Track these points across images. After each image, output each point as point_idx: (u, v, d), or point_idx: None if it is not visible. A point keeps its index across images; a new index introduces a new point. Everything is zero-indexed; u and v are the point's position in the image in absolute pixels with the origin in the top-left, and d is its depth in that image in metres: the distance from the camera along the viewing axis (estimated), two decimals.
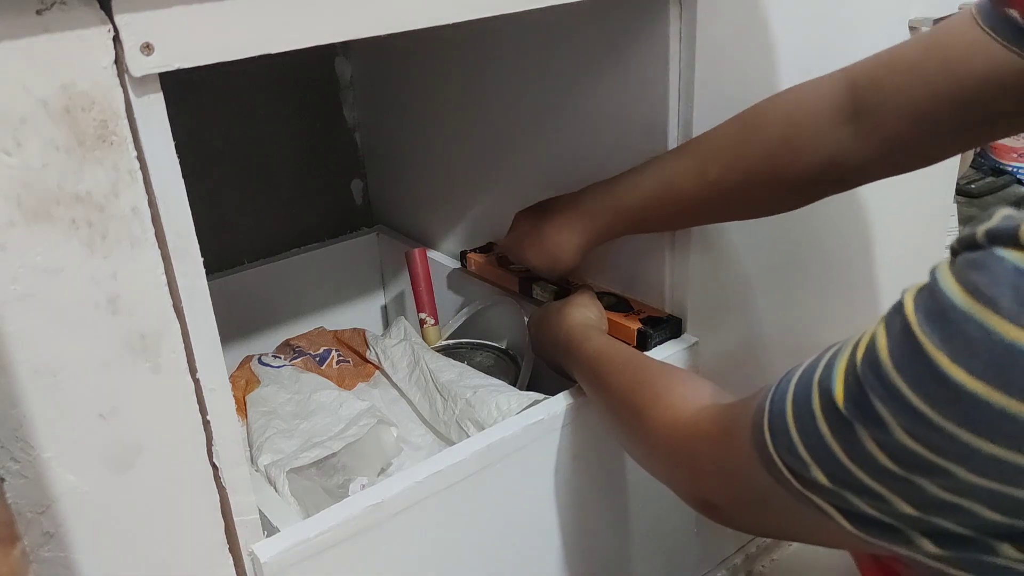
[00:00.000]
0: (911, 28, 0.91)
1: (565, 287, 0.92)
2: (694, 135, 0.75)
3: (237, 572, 0.60)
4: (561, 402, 0.74)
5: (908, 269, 1.07)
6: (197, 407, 0.55)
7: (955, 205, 1.17)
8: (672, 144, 0.76)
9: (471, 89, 0.98)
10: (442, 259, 1.10)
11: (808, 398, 0.45)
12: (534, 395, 0.80)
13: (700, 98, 0.74)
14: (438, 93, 1.03)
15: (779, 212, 0.75)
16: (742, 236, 0.84)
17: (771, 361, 0.93)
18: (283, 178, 1.19)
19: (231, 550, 0.60)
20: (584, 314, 0.81)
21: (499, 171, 0.99)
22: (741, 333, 0.89)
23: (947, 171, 1.09)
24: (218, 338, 0.54)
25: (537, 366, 0.93)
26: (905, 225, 1.02)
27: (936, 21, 0.91)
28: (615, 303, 0.86)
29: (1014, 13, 0.56)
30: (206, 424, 0.55)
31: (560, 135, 0.88)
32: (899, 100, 0.63)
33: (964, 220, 1.29)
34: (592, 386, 0.72)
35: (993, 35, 0.58)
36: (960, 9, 0.61)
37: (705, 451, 0.55)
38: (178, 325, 0.52)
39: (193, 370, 0.54)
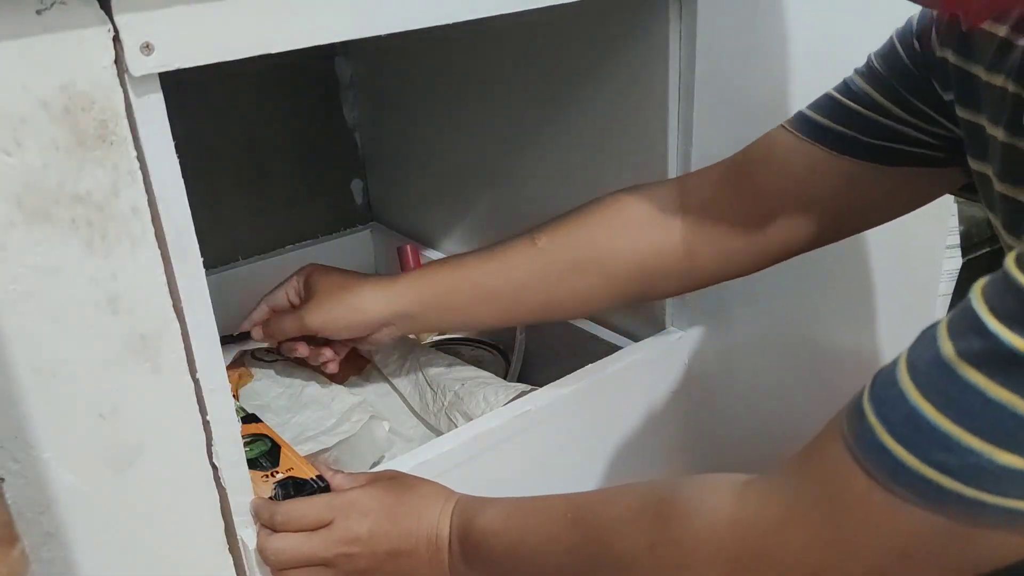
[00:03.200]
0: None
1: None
2: (694, 136, 0.75)
3: (237, 572, 0.60)
4: (548, 394, 0.74)
5: (907, 268, 1.07)
6: (197, 407, 0.55)
7: (955, 205, 1.17)
8: (672, 143, 0.76)
9: (471, 89, 0.98)
10: (436, 256, 1.11)
11: (942, 361, 0.36)
12: (521, 386, 0.81)
13: (700, 98, 0.74)
14: (438, 93, 1.03)
15: (599, 306, 0.75)
16: None
17: (770, 361, 0.93)
18: (283, 178, 1.18)
19: (231, 550, 0.60)
20: (429, 491, 0.62)
21: (499, 171, 0.99)
22: (738, 331, 0.89)
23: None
24: (218, 338, 0.54)
25: (526, 360, 0.94)
26: (904, 224, 1.02)
27: None
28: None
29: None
30: (206, 424, 0.55)
31: (560, 135, 0.88)
32: (725, 199, 0.66)
33: (964, 220, 1.29)
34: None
35: (807, 139, 0.63)
36: None
37: (792, 537, 0.41)
38: (178, 325, 0.52)
39: (193, 370, 0.54)
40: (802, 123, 0.64)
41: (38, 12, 0.43)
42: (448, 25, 0.57)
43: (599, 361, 0.78)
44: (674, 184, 0.71)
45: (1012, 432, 0.34)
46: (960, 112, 0.54)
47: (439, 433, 0.85)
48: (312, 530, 0.59)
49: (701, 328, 0.83)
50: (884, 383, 0.39)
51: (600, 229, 0.69)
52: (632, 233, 0.68)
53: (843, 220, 0.67)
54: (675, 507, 0.47)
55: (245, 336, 0.79)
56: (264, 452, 0.66)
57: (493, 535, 0.56)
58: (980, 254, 1.38)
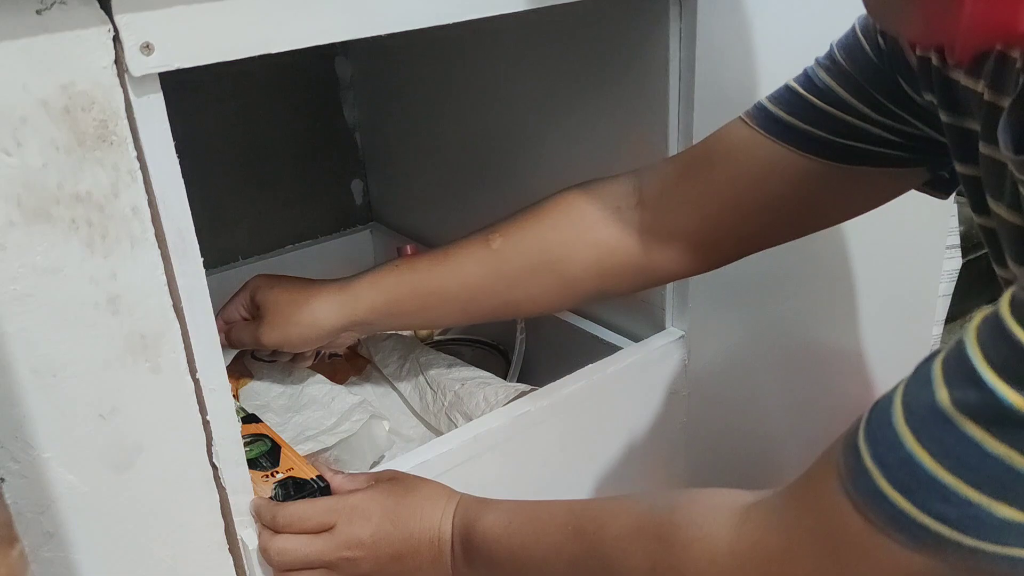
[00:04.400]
0: None
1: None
2: (694, 136, 0.75)
3: (237, 572, 0.60)
4: (548, 394, 0.74)
5: (907, 270, 1.07)
6: (197, 407, 0.55)
7: (955, 205, 1.17)
8: (672, 144, 0.76)
9: (471, 89, 0.98)
10: None
11: (943, 416, 0.36)
12: (521, 386, 0.81)
13: (700, 98, 0.74)
14: (438, 93, 1.03)
15: (556, 306, 0.74)
16: None
17: (770, 361, 0.93)
18: (283, 178, 1.19)
19: (231, 550, 0.60)
20: (431, 492, 0.62)
21: (499, 171, 0.99)
22: (738, 331, 0.89)
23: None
24: (218, 338, 0.54)
25: (527, 360, 0.94)
26: (904, 225, 1.02)
27: None
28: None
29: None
30: (206, 424, 0.55)
31: (560, 135, 0.88)
32: (681, 194, 0.65)
33: (964, 220, 1.29)
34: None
35: (767, 135, 0.61)
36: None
37: (790, 571, 0.43)
38: (178, 325, 0.52)
39: (193, 370, 0.54)
40: (762, 117, 0.62)
41: (38, 12, 0.43)
42: (448, 25, 0.57)
43: (599, 361, 0.78)
44: (630, 179, 0.68)
45: (1010, 486, 0.34)
46: (944, 116, 0.52)
47: (439, 433, 0.85)
48: (314, 533, 0.59)
49: (701, 328, 0.83)
50: (879, 422, 0.39)
51: (554, 230, 0.68)
52: (587, 233, 0.67)
53: (803, 218, 0.65)
54: (676, 531, 0.48)
55: None
56: (264, 452, 0.66)
57: (495, 540, 0.56)
58: (980, 254, 1.38)
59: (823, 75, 0.60)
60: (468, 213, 1.06)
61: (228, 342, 0.75)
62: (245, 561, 0.60)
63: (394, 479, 0.62)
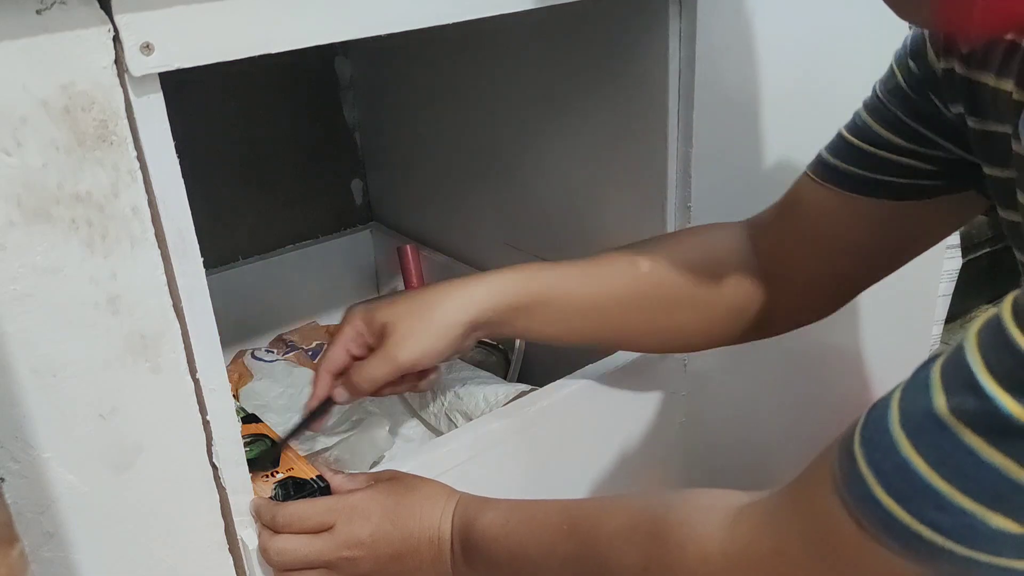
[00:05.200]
0: (911, 27, 0.90)
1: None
2: (694, 136, 0.75)
3: (237, 572, 0.60)
4: (548, 394, 0.74)
5: (907, 270, 1.07)
6: (197, 407, 0.55)
7: None
8: (672, 144, 0.76)
9: (471, 89, 0.98)
10: (435, 256, 1.11)
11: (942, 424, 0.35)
12: (521, 386, 0.81)
13: (700, 98, 0.74)
14: (438, 93, 1.03)
15: (690, 345, 0.73)
16: None
17: (769, 361, 0.93)
18: (283, 178, 1.19)
19: (231, 550, 0.60)
20: (430, 491, 0.61)
21: (499, 171, 0.99)
22: None
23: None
24: (218, 338, 0.54)
25: (527, 360, 0.94)
26: None
27: None
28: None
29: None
30: (206, 424, 0.55)
31: (559, 135, 0.88)
32: (789, 256, 0.66)
33: None
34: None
35: (832, 187, 0.62)
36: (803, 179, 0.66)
37: (781, 574, 0.43)
38: (178, 325, 0.52)
39: (193, 370, 0.54)
40: (820, 167, 0.64)
41: (38, 12, 0.43)
42: (448, 25, 0.57)
43: (599, 361, 0.78)
44: (742, 232, 0.69)
45: (1005, 496, 0.34)
46: (971, 122, 0.52)
47: (439, 433, 0.85)
48: (314, 532, 0.59)
49: None
50: (876, 426, 0.38)
51: (699, 269, 0.67)
52: (731, 277, 0.67)
53: (891, 254, 0.66)
54: (668, 530, 0.48)
55: (327, 405, 0.66)
56: (264, 452, 0.66)
57: (493, 539, 0.56)
58: (980, 254, 1.39)
59: (864, 115, 0.61)
60: (468, 213, 1.06)
61: (354, 389, 0.64)
62: (245, 561, 0.60)
63: (394, 479, 0.62)
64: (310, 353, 1.03)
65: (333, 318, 1.19)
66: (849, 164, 0.62)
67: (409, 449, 0.85)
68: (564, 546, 0.53)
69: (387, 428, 0.86)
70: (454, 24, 0.57)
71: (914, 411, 0.37)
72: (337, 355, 0.65)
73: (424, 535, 0.59)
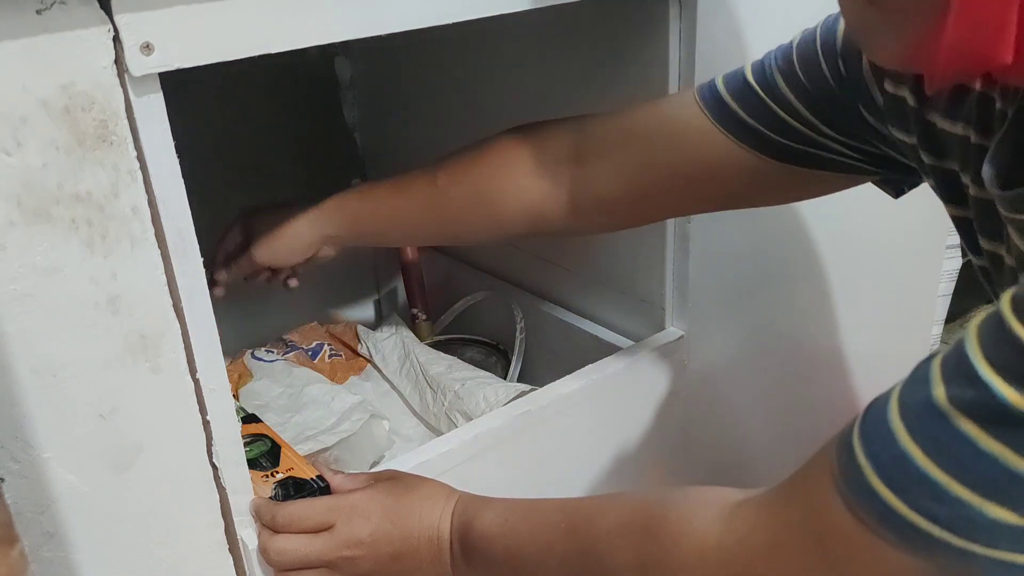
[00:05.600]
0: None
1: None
2: None
3: (237, 572, 0.60)
4: (548, 394, 0.75)
5: (907, 269, 1.07)
6: (197, 407, 0.55)
7: None
8: None
9: (471, 89, 0.98)
10: (435, 256, 1.11)
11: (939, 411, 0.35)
12: (521, 386, 0.81)
13: None
14: (438, 93, 1.03)
15: (491, 241, 0.84)
16: (743, 233, 0.84)
17: (769, 361, 0.93)
18: (283, 178, 1.18)
19: (231, 550, 0.60)
20: (430, 491, 0.61)
21: None
22: (738, 331, 0.89)
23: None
24: (218, 338, 0.54)
25: (527, 360, 0.94)
26: (904, 225, 1.02)
27: None
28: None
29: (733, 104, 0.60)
30: (206, 424, 0.55)
31: None
32: (619, 161, 0.66)
33: None
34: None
35: (720, 128, 0.60)
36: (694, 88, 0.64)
37: (778, 567, 0.42)
38: (178, 325, 0.52)
39: (193, 370, 0.54)
40: (717, 108, 0.61)
41: (38, 12, 0.43)
42: (448, 25, 0.57)
43: (599, 361, 0.78)
44: (571, 130, 0.69)
45: (1003, 486, 0.34)
46: (926, 158, 0.51)
47: (439, 433, 0.85)
48: (314, 532, 0.59)
49: (701, 328, 0.83)
50: (875, 419, 0.38)
51: (491, 177, 0.71)
52: (521, 180, 0.70)
53: (732, 200, 0.67)
54: (665, 525, 0.47)
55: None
56: (264, 452, 0.66)
57: (492, 538, 0.56)
58: None
59: (781, 83, 0.59)
60: None
61: (227, 270, 0.84)
62: (245, 561, 0.60)
63: (394, 478, 0.62)
64: (309, 353, 1.03)
65: (333, 318, 1.19)
66: (746, 112, 0.59)
67: (409, 449, 0.85)
68: (562, 544, 0.53)
69: (387, 428, 0.86)
70: (454, 24, 0.57)
71: (913, 403, 0.37)
72: (227, 242, 0.85)
73: (424, 534, 0.59)
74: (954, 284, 1.24)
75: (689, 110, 0.63)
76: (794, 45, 0.59)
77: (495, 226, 0.72)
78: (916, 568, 0.37)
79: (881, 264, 1.02)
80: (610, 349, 0.83)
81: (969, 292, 1.43)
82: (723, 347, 0.86)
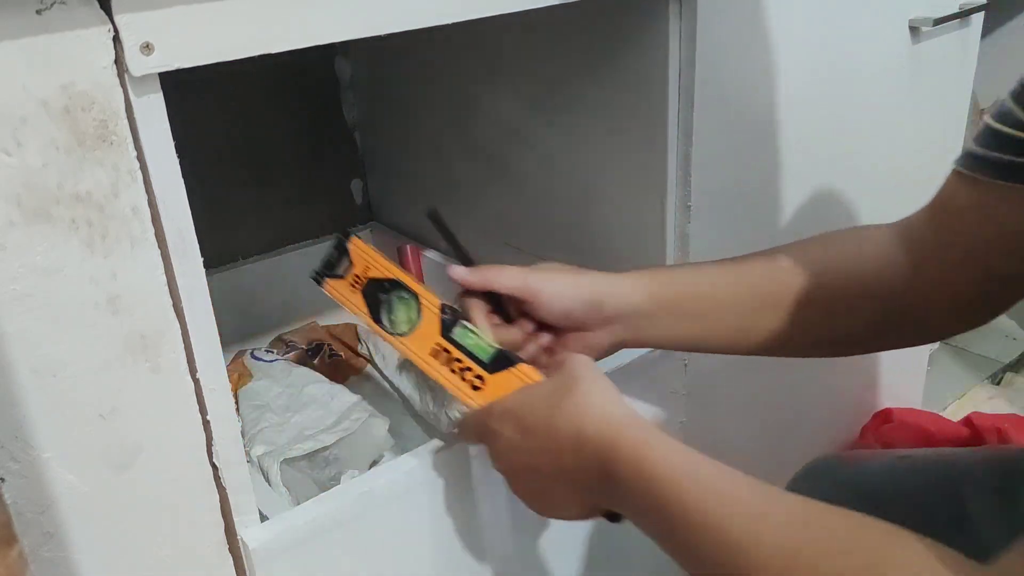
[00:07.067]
0: (911, 28, 0.91)
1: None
2: (694, 136, 0.75)
3: (237, 572, 0.60)
4: None
5: None
6: (197, 407, 0.55)
7: None
8: (671, 144, 0.76)
9: (471, 89, 0.98)
10: (435, 256, 1.11)
11: None
12: None
13: (700, 98, 0.74)
14: (438, 93, 1.03)
15: (838, 350, 0.71)
16: (743, 233, 0.84)
17: (770, 362, 0.93)
18: (283, 178, 1.19)
19: (231, 550, 0.60)
20: (607, 398, 0.54)
21: (499, 171, 0.99)
22: None
23: (947, 171, 1.09)
24: (218, 338, 0.54)
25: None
26: None
27: (936, 21, 0.91)
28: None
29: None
30: (206, 424, 0.55)
31: (559, 135, 0.88)
32: (945, 263, 0.60)
33: None
34: (693, 537, 0.46)
35: (987, 178, 0.56)
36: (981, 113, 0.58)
37: None
38: (178, 325, 0.52)
39: (193, 370, 0.54)
40: (967, 158, 0.58)
41: (38, 12, 0.43)
42: (448, 25, 0.57)
43: (599, 361, 0.78)
44: (893, 233, 0.65)
45: None
46: None
47: (439, 433, 0.85)
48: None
49: None
50: None
51: (844, 253, 0.64)
52: (878, 260, 0.63)
53: None
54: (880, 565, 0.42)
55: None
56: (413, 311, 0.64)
57: (669, 482, 0.48)
58: None
59: (1009, 101, 0.55)
60: (468, 213, 1.06)
61: (481, 276, 0.64)
62: (245, 561, 0.60)
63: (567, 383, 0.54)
64: (309, 352, 1.03)
65: (333, 318, 1.19)
66: (994, 150, 0.56)
67: (409, 449, 0.86)
68: (770, 537, 0.44)
69: (387, 428, 0.86)
70: (454, 24, 0.57)
71: None
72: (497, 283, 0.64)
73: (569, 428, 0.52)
74: None
75: (954, 182, 0.59)
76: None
77: (826, 313, 0.63)
78: None
79: None
80: None
81: None
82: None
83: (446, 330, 0.62)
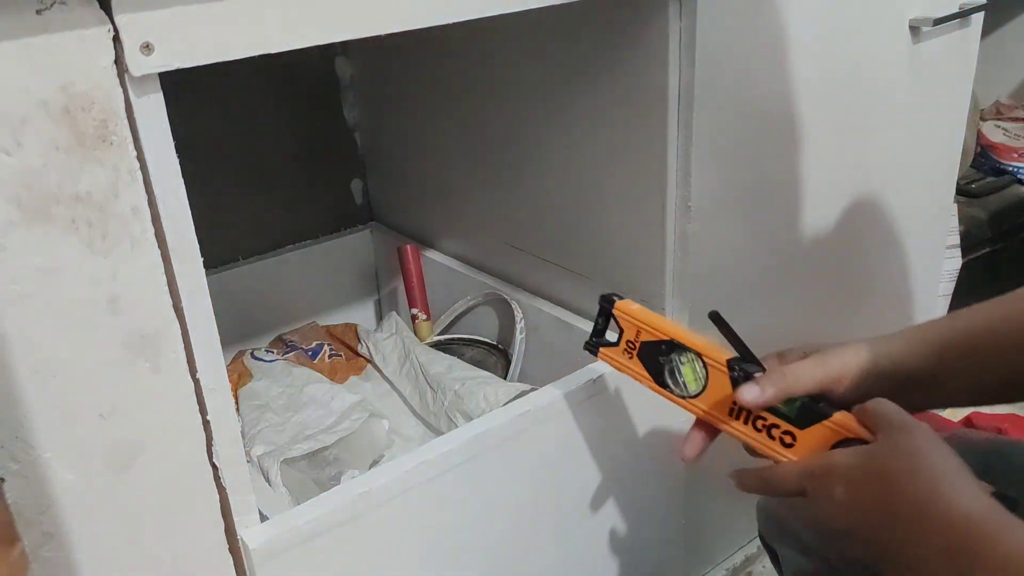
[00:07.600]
0: (911, 28, 0.91)
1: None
2: (694, 136, 0.75)
3: (237, 572, 0.60)
4: (548, 394, 0.74)
5: (909, 269, 1.07)
6: (197, 407, 0.55)
7: (955, 205, 1.17)
8: (672, 144, 0.76)
9: (471, 89, 0.98)
10: (435, 256, 1.11)
11: None
12: (521, 386, 0.81)
13: (700, 97, 0.74)
14: (438, 93, 1.03)
15: None
16: (743, 233, 0.84)
17: None
18: (283, 178, 1.19)
19: (231, 550, 0.60)
20: (954, 484, 0.46)
21: (499, 171, 0.99)
22: (738, 331, 0.89)
23: (947, 171, 1.09)
24: (218, 338, 0.54)
25: (527, 360, 0.94)
26: (906, 225, 1.02)
27: (936, 22, 0.91)
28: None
29: None
30: (206, 424, 0.55)
31: (559, 135, 0.88)
32: None
33: (964, 220, 1.29)
34: None
35: None
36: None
37: None
38: (178, 325, 0.52)
39: (193, 370, 0.54)
40: None
41: (38, 12, 0.43)
42: (448, 25, 0.57)
43: (599, 361, 0.78)
44: None
45: None
46: None
47: (439, 432, 0.85)
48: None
49: (701, 328, 0.83)
50: None
51: None
52: None
53: None
54: None
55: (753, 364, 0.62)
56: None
57: None
58: (980, 254, 1.38)
59: None
60: (468, 213, 1.06)
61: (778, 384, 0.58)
62: (245, 561, 0.60)
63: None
64: (309, 353, 1.03)
65: (333, 318, 1.19)
66: None
67: (409, 449, 0.86)
68: None
69: (386, 427, 0.86)
70: (454, 24, 0.57)
71: None
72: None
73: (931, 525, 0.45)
74: (954, 284, 1.24)
75: None
76: None
77: None
78: None
79: (881, 264, 1.02)
80: None
81: (969, 292, 1.44)
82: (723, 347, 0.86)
83: (737, 387, 0.59)
